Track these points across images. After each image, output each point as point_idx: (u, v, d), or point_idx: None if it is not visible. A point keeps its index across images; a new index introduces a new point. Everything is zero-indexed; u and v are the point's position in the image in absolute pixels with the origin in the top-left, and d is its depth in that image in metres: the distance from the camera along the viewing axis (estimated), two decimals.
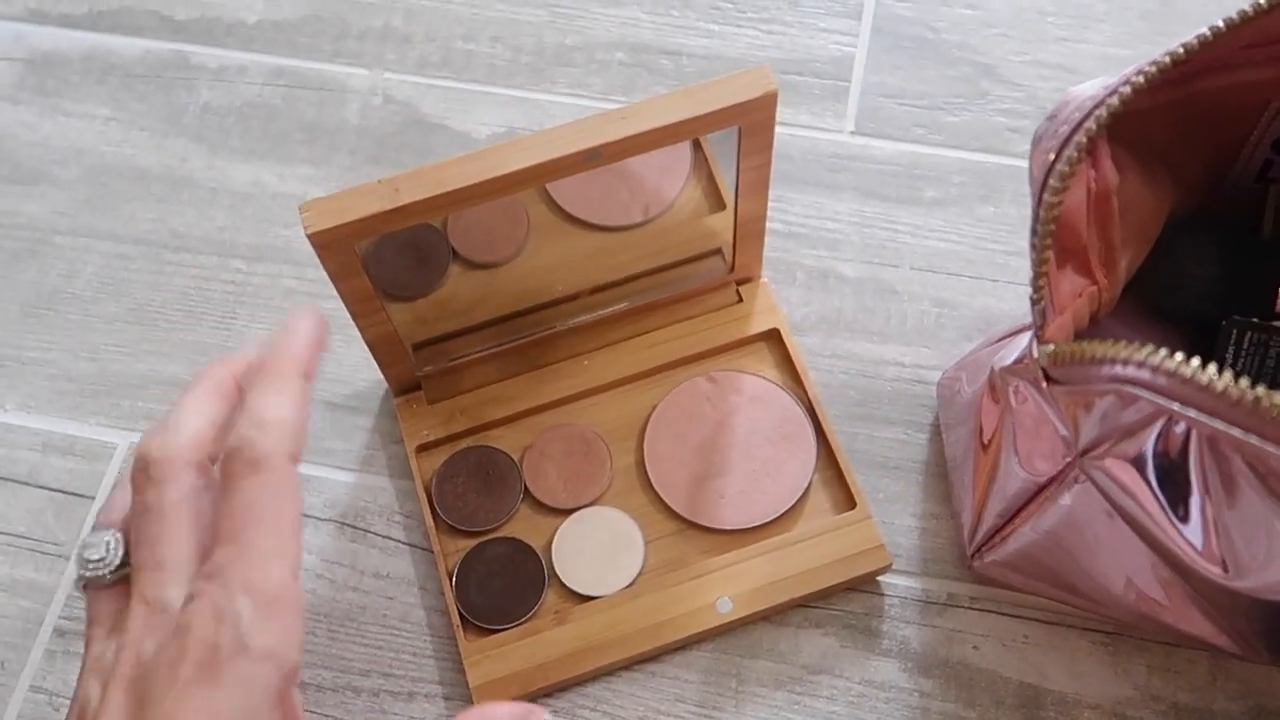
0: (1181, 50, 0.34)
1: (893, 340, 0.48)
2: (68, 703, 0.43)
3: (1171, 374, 0.30)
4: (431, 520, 0.44)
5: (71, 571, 0.33)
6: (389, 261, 0.48)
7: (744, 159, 0.41)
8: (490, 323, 0.47)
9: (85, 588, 0.31)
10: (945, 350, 0.47)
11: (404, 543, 0.45)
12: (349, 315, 0.42)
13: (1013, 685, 0.42)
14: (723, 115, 0.39)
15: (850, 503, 0.44)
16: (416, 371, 0.46)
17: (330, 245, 0.38)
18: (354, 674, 0.43)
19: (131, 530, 0.30)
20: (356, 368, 0.48)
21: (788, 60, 0.54)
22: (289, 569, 0.28)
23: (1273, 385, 0.41)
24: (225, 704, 0.27)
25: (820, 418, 0.45)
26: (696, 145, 0.50)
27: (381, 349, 0.44)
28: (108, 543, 0.30)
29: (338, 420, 0.48)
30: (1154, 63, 0.34)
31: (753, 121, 0.40)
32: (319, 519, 0.46)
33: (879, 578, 0.44)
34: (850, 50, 0.54)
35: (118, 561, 0.30)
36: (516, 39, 0.55)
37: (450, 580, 0.43)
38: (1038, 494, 0.39)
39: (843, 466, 0.44)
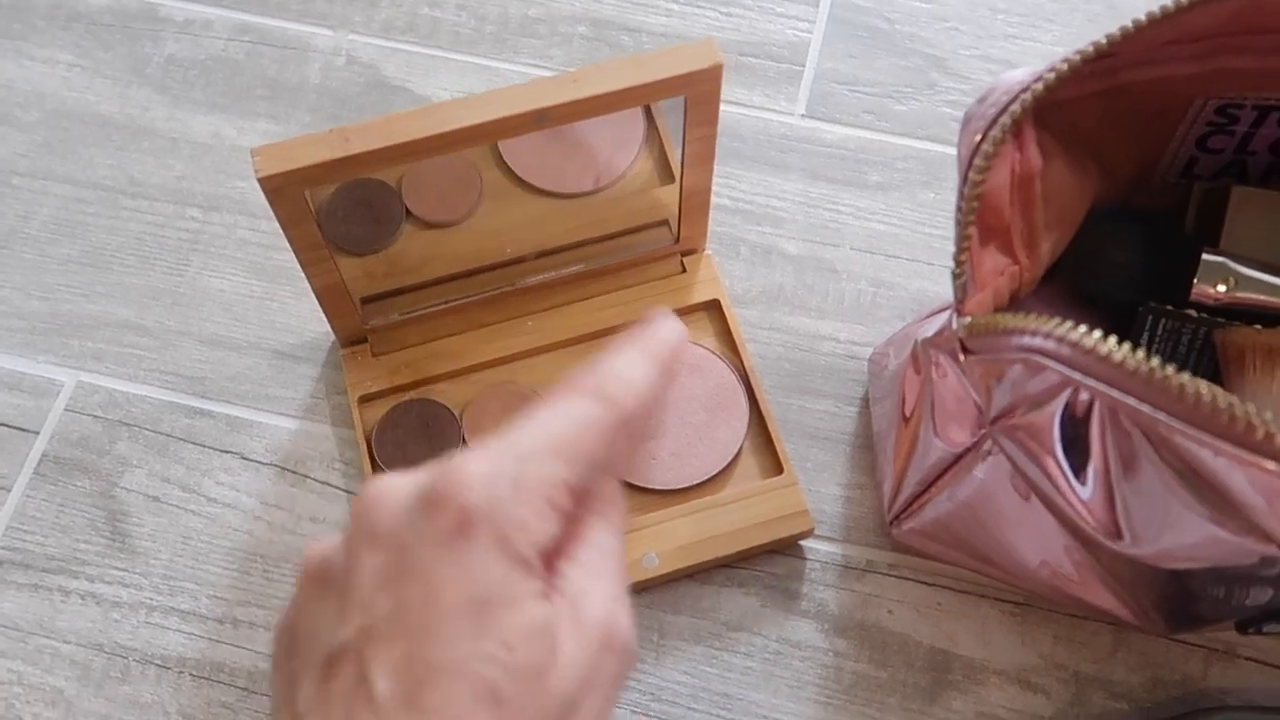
0: (1104, 41, 0.35)
1: (830, 317, 0.49)
2: (6, 630, 0.43)
3: (1075, 345, 0.32)
4: (370, 469, 0.45)
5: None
6: (343, 217, 0.49)
7: (690, 130, 0.43)
8: (439, 281, 0.48)
9: None
10: (879, 328, 0.49)
11: (341, 489, 0.46)
12: (299, 264, 0.43)
13: (924, 649, 0.43)
14: (669, 84, 0.40)
15: (778, 469, 0.45)
16: (364, 324, 0.47)
17: (279, 190, 0.38)
18: None
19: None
20: (306, 319, 0.49)
21: (745, 43, 0.55)
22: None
23: (1184, 370, 0.42)
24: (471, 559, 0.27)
25: (754, 387, 0.47)
26: (650, 119, 0.52)
27: (329, 299, 0.45)
28: None
29: (284, 368, 0.48)
30: (1078, 52, 0.35)
31: (699, 92, 0.41)
32: (260, 463, 0.47)
33: (802, 542, 0.45)
34: (806, 36, 0.55)
35: None
36: (482, 8, 0.56)
37: None
38: (953, 464, 0.40)
39: (773, 434, 0.46)
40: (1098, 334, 0.32)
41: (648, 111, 0.52)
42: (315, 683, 0.27)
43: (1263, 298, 0.41)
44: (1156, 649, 0.43)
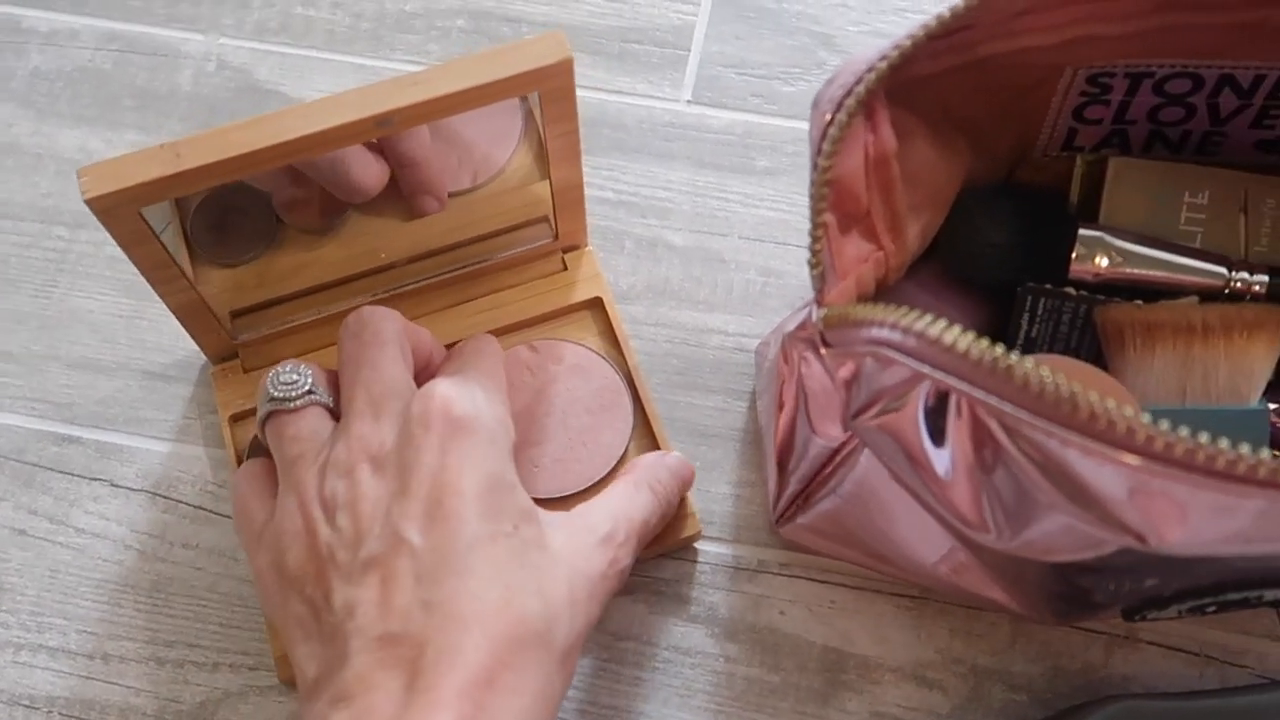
0: (948, 14, 0.34)
1: (718, 309, 0.48)
2: None
3: (920, 335, 0.31)
4: None
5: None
6: (212, 226, 0.48)
7: (548, 126, 0.41)
8: (312, 290, 0.46)
9: (271, 415, 0.37)
10: (769, 319, 0.47)
11: (215, 513, 0.44)
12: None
13: (817, 649, 0.42)
14: (517, 82, 0.38)
15: None
16: (233, 339, 0.45)
17: (110, 212, 0.37)
18: (159, 645, 0.42)
19: (345, 365, 0.37)
20: (178, 337, 0.47)
21: (629, 29, 0.54)
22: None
23: (1067, 349, 0.41)
24: (479, 454, 0.34)
25: (639, 387, 0.45)
26: (529, 112, 0.50)
27: (189, 317, 0.43)
28: (300, 369, 0.37)
29: (155, 389, 0.47)
30: (923, 26, 0.34)
31: (551, 88, 0.39)
32: (130, 489, 0.45)
33: (693, 544, 0.44)
34: (691, 19, 0.54)
35: (307, 387, 0.37)
36: (358, 4, 0.55)
37: None
38: (832, 459, 0.39)
39: (658, 436, 0.44)
40: (942, 323, 0.30)
41: (524, 100, 0.50)
42: (354, 586, 0.32)
43: (1144, 272, 0.39)
44: (1056, 638, 0.42)
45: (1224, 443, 0.26)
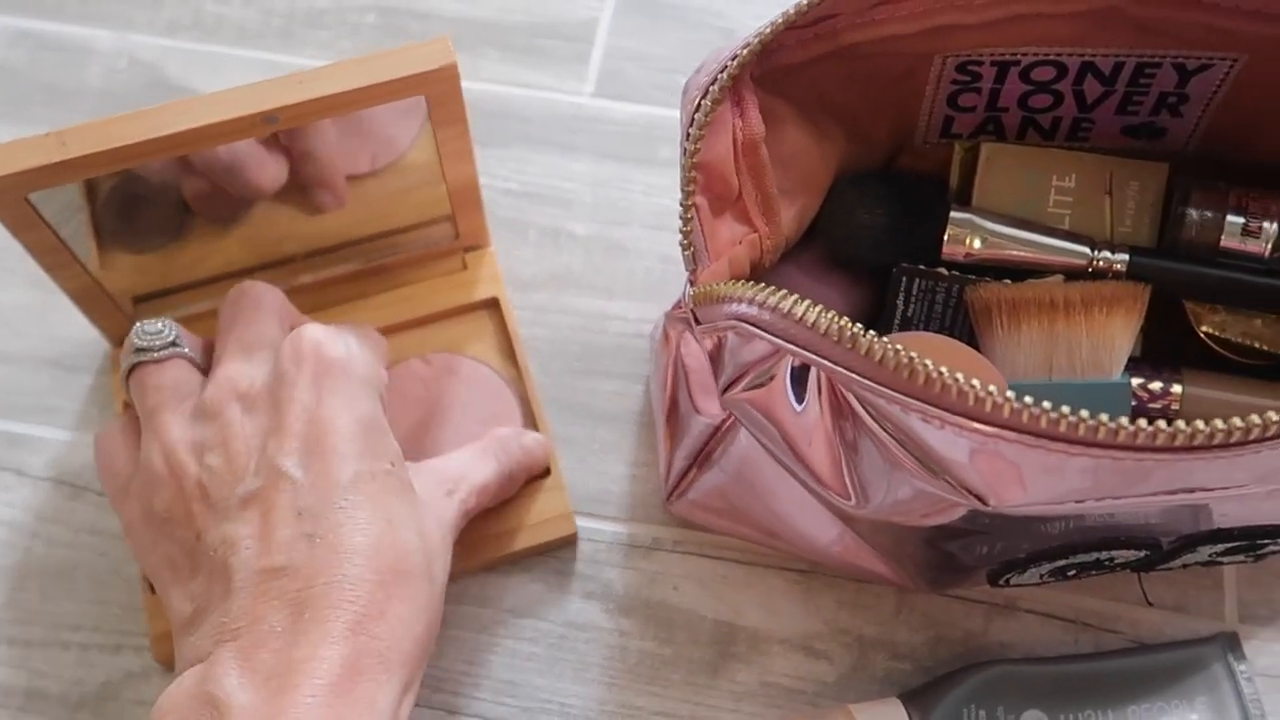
0: (806, 3, 0.35)
1: (619, 296, 0.49)
2: None
3: (774, 309, 0.32)
4: None
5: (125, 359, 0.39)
6: (119, 211, 0.48)
7: (438, 129, 0.42)
8: (216, 278, 0.47)
9: (134, 367, 0.37)
10: (668, 305, 0.48)
11: None
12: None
13: (709, 623, 0.43)
14: (401, 85, 0.39)
15: (544, 471, 0.45)
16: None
17: None
18: (64, 629, 0.43)
19: (221, 328, 0.38)
20: (87, 327, 0.48)
21: (536, 24, 0.55)
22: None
23: (941, 328, 0.43)
24: (353, 393, 0.35)
25: (529, 391, 0.46)
26: None
27: (85, 301, 0.44)
28: (164, 322, 0.38)
29: (62, 379, 0.47)
30: (783, 14, 0.35)
31: (438, 92, 0.40)
32: (38, 478, 0.46)
33: (590, 524, 0.45)
34: (596, 14, 0.55)
35: (171, 339, 0.38)
36: (269, 0, 0.55)
37: None
38: (713, 435, 0.40)
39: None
40: (794, 298, 0.32)
41: None
42: (232, 522, 0.33)
43: (1013, 253, 0.41)
44: (938, 608, 0.43)
45: (1046, 404, 0.28)
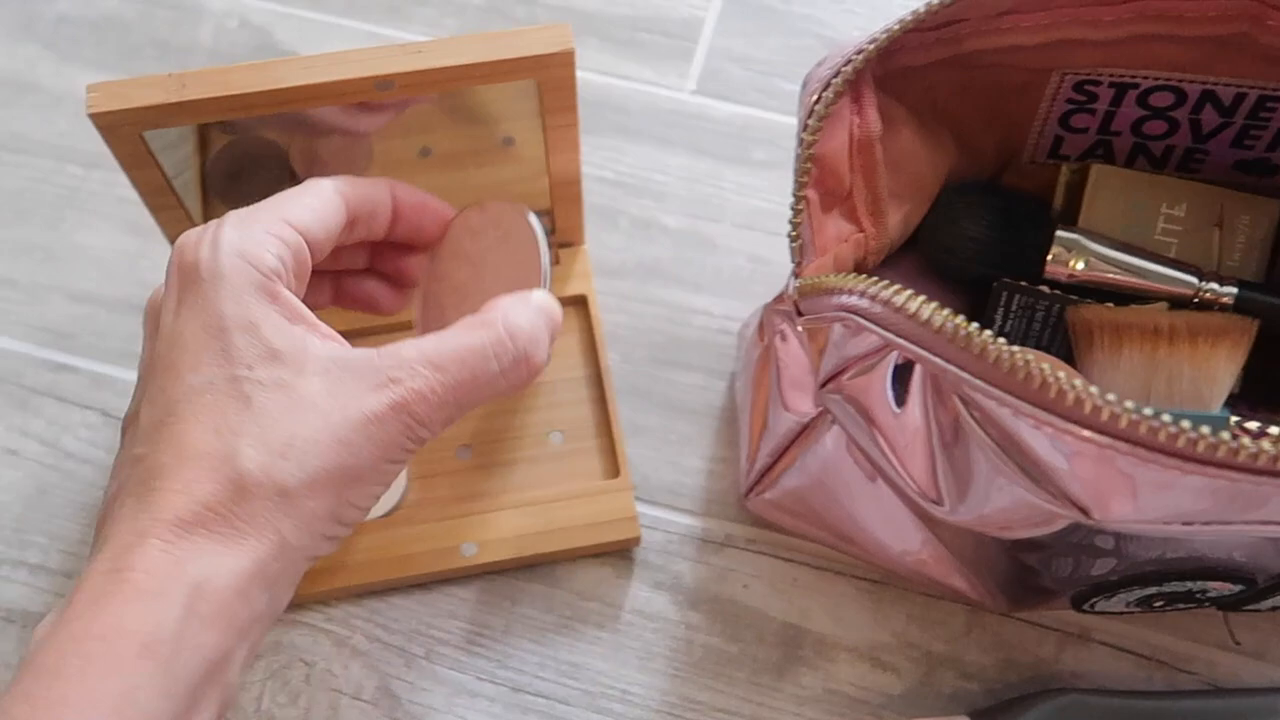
0: (936, 4, 0.35)
1: (705, 291, 0.49)
2: None
3: (886, 303, 0.32)
4: None
5: None
6: (227, 172, 0.49)
7: (547, 116, 0.42)
8: None
9: None
10: (754, 304, 0.48)
11: None
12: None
13: (776, 624, 0.43)
14: (517, 65, 0.39)
15: (614, 471, 0.45)
16: None
17: (112, 129, 0.38)
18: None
19: None
20: None
21: (639, 18, 0.55)
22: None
23: (1038, 346, 0.42)
24: (206, 297, 0.33)
25: (605, 389, 0.46)
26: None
27: None
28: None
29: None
30: (911, 12, 0.35)
31: (551, 77, 0.40)
32: (120, 420, 0.46)
33: (662, 514, 0.45)
34: (701, 14, 0.55)
35: None
36: None
37: None
38: (801, 434, 0.40)
39: (615, 436, 0.45)
40: (908, 293, 0.31)
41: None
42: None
43: (1116, 276, 0.41)
44: (1010, 631, 0.43)
45: (1166, 417, 0.27)
